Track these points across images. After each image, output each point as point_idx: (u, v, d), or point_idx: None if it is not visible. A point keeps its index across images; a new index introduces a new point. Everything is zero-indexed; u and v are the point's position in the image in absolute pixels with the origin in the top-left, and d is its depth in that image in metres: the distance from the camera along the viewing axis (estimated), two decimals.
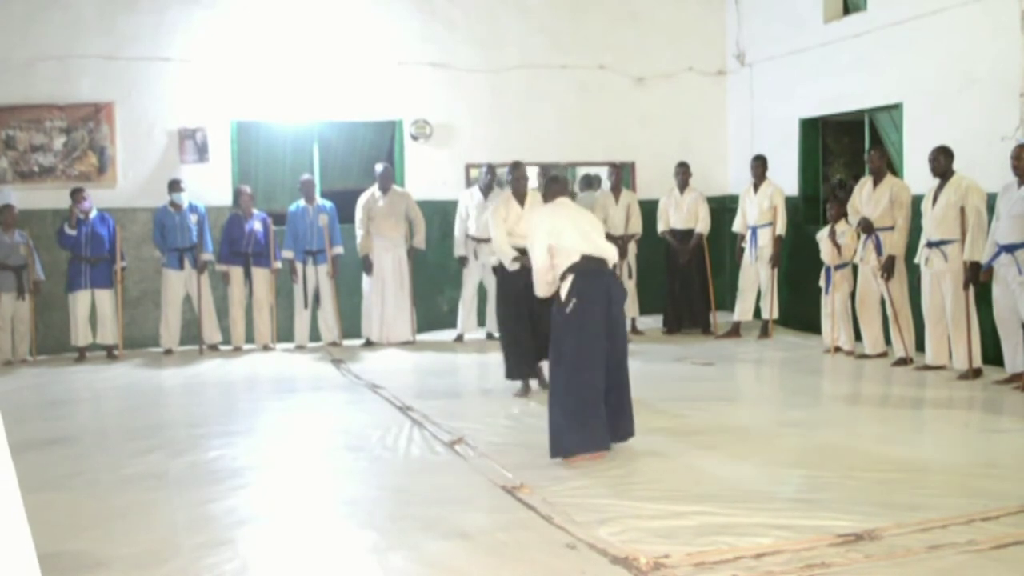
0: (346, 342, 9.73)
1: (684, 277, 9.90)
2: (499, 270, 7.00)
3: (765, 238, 9.30)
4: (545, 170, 10.43)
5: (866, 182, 8.05)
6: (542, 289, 5.29)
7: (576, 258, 5.09)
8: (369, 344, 9.63)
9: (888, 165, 8.03)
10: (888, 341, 8.05)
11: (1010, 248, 6.60)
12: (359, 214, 9.58)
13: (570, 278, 5.07)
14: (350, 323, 9.81)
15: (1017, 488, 4.35)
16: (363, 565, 3.63)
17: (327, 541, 3.94)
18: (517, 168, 7.14)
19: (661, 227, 10.03)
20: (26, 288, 9.04)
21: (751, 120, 10.75)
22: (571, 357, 5.02)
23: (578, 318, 5.01)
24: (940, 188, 7.21)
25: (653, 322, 10.30)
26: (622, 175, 10.43)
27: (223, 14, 9.87)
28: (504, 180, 10.87)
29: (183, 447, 5.59)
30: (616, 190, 10.10)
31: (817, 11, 9.55)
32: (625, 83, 10.93)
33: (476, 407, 6.62)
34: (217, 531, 4.05)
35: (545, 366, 6.42)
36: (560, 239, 5.12)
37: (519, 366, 6.87)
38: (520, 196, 7.00)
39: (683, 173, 9.98)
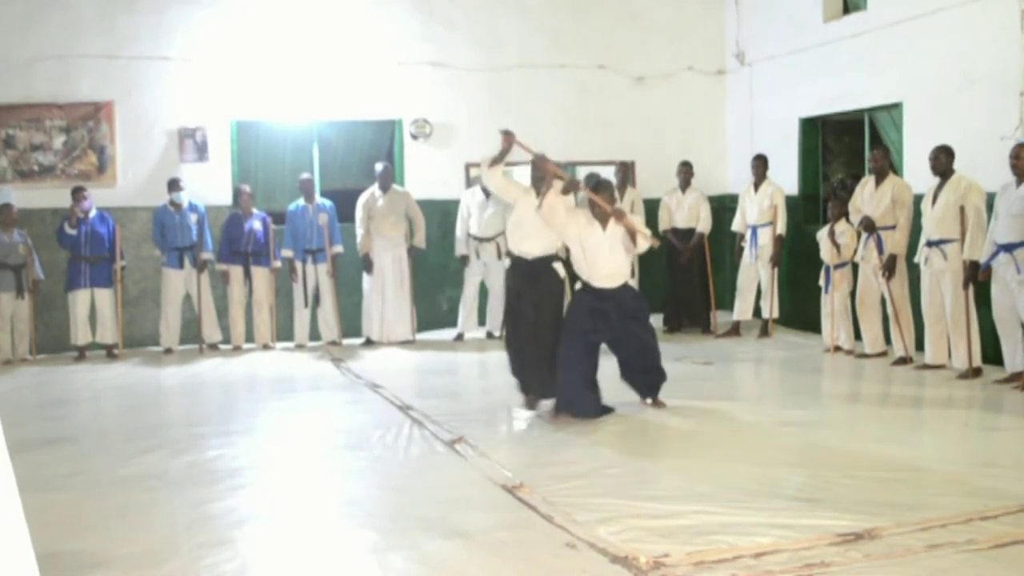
0: (346, 341, 9.73)
1: (684, 276, 9.91)
2: (508, 273, 6.54)
3: (765, 237, 9.30)
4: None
5: (868, 181, 8.05)
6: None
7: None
8: (369, 343, 9.63)
9: (889, 165, 8.03)
10: (888, 340, 8.05)
11: (1009, 247, 6.60)
12: (359, 213, 9.58)
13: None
14: (350, 322, 9.81)
15: (1016, 487, 4.35)
16: (363, 565, 3.63)
17: (327, 541, 3.94)
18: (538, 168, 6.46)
19: (663, 226, 10.03)
20: (25, 287, 9.03)
21: (751, 120, 10.74)
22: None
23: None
24: (940, 187, 7.22)
25: (653, 321, 10.24)
26: (627, 173, 10.42)
27: (223, 14, 9.87)
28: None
29: (183, 447, 5.58)
30: (622, 188, 10.10)
31: (817, 11, 9.54)
32: (625, 83, 10.92)
33: (476, 407, 6.60)
34: (217, 531, 4.05)
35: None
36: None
37: (521, 380, 6.43)
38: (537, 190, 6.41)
39: (686, 172, 9.99)
